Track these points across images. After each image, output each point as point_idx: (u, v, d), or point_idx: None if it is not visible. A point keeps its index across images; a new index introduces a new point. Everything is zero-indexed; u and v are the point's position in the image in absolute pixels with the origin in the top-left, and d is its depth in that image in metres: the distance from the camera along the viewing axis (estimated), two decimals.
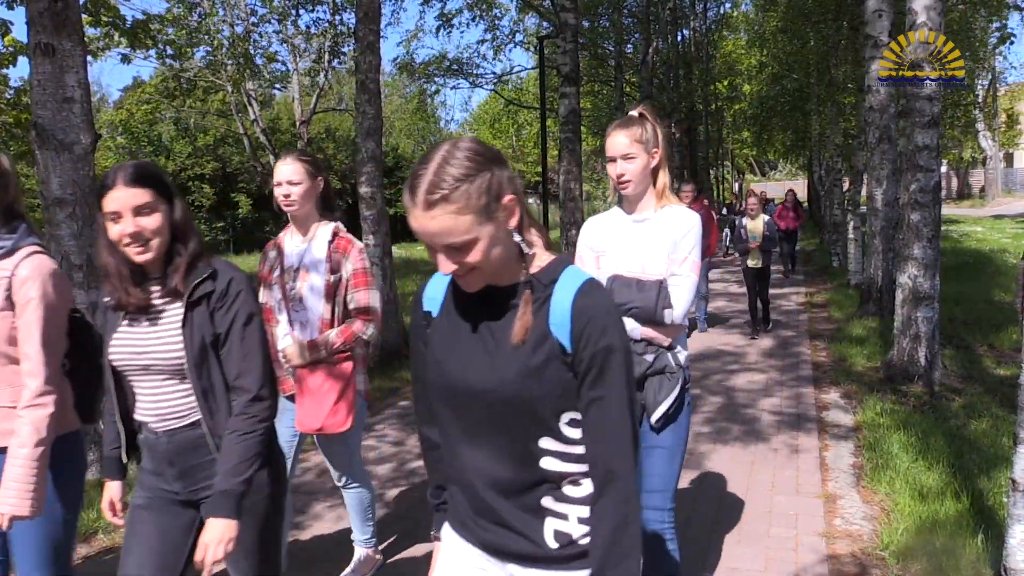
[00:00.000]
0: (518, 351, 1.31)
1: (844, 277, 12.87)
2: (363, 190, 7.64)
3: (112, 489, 2.06)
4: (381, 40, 7.96)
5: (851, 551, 3.41)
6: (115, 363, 1.92)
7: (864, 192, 11.44)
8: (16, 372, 2.03)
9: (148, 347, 1.87)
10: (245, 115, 18.34)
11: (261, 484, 1.91)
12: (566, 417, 1.34)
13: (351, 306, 2.90)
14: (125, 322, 1.91)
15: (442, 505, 1.57)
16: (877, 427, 5.03)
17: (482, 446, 1.37)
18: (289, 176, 2.85)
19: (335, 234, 2.92)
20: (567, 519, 1.36)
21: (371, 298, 2.90)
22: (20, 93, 9.61)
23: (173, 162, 31.09)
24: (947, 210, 21.10)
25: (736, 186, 46.19)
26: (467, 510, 1.43)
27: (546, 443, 1.34)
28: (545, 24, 17.45)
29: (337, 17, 16.87)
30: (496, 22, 18.89)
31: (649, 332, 2.41)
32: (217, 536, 1.79)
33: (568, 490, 1.37)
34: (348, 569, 3.24)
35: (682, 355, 2.48)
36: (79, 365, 2.16)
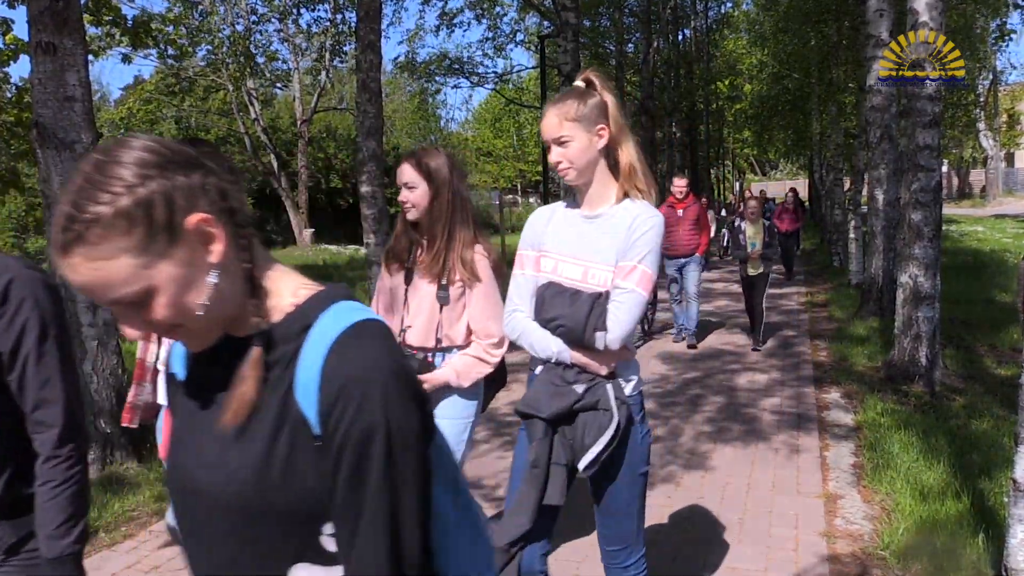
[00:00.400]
0: (254, 436, 0.90)
1: (845, 277, 12.85)
2: (364, 189, 7.70)
3: None
4: (382, 39, 7.99)
5: (852, 551, 3.41)
6: None
7: (865, 192, 11.42)
8: None
9: None
10: (246, 114, 18.39)
11: None
12: (331, 529, 0.92)
13: None
14: None
15: None
16: (878, 427, 5.02)
17: (222, 567, 0.95)
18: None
19: None
20: None
21: None
22: (21, 92, 9.62)
23: None
24: (948, 210, 21.06)
25: (737, 185, 46.17)
26: None
27: (304, 571, 0.92)
28: (546, 23, 17.47)
29: (338, 16, 16.90)
30: (497, 22, 18.94)
31: (580, 357, 1.99)
32: None
33: None
34: None
35: (628, 386, 2.05)
36: None
